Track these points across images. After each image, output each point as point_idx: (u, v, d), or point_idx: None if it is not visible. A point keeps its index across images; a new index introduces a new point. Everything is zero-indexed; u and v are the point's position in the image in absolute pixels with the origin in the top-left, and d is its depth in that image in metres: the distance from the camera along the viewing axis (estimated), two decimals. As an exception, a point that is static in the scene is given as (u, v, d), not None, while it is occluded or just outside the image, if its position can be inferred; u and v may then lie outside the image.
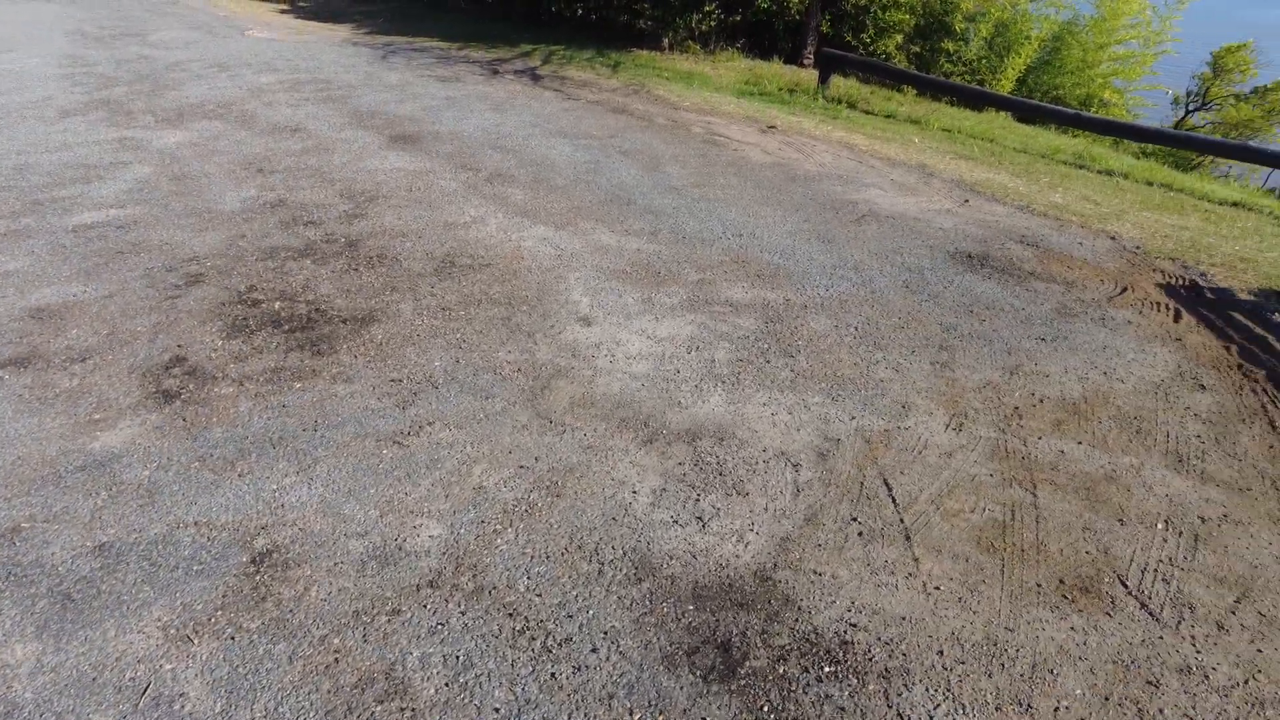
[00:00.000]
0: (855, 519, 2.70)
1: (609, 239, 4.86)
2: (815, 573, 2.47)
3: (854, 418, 3.24)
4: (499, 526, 2.59)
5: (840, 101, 9.20)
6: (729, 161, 6.56)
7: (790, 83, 9.82)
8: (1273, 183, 10.94)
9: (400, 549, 2.48)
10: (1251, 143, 11.01)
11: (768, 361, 3.62)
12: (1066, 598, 2.45)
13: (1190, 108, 13.19)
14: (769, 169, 6.43)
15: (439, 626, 2.22)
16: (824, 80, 9.58)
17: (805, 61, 11.35)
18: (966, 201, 5.94)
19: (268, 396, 3.16)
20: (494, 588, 2.36)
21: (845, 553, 2.56)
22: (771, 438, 3.09)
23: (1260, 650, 2.33)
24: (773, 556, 2.53)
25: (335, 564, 2.41)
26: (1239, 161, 10.01)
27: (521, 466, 2.86)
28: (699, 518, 2.67)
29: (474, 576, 2.39)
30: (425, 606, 2.29)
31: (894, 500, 2.79)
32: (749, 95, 9.27)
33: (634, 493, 2.77)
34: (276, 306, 3.84)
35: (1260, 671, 2.26)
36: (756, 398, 3.34)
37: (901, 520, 2.70)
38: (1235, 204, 6.50)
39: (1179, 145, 8.96)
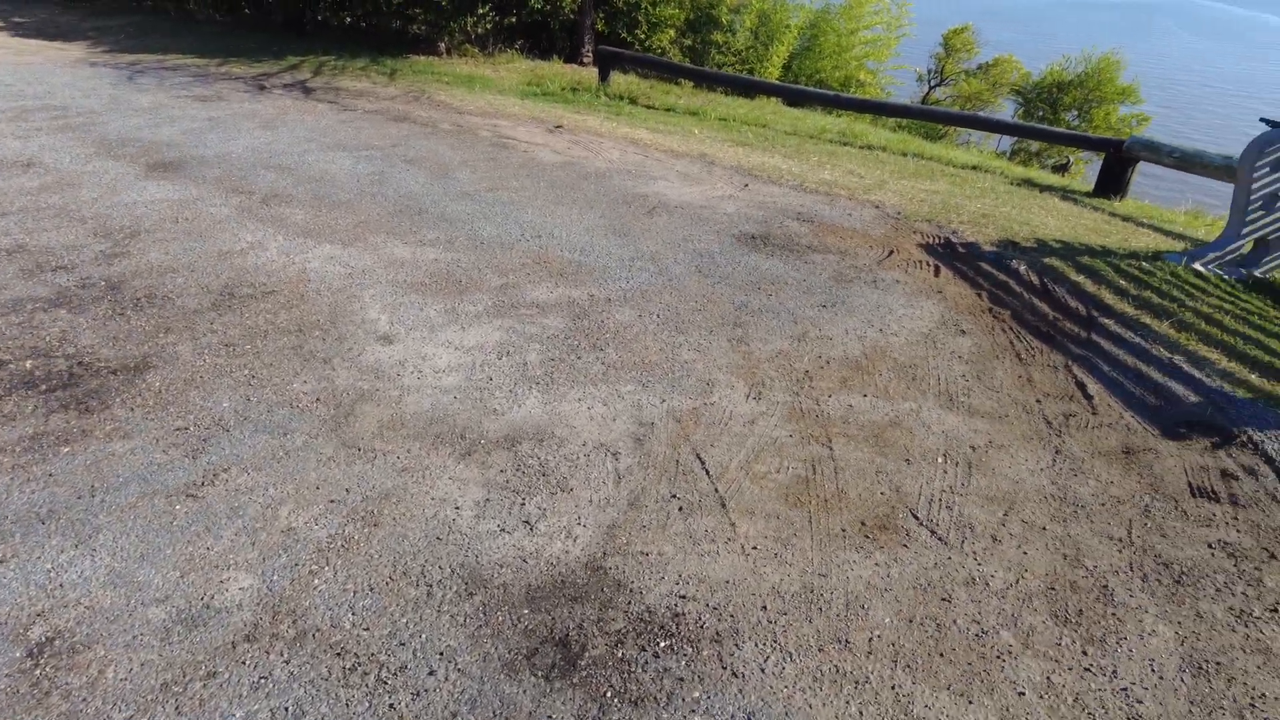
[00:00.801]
0: (674, 496, 2.81)
1: (403, 251, 4.72)
2: (642, 553, 2.56)
3: (664, 400, 3.37)
4: (315, 567, 2.46)
5: (622, 98, 9.45)
6: (520, 163, 6.57)
7: (572, 81, 9.96)
8: (1003, 146, 12.49)
9: (208, 607, 2.29)
10: (981, 113, 12.51)
11: (579, 358, 3.68)
12: (869, 537, 2.69)
13: (932, 84, 14.76)
14: (560, 168, 6.50)
15: (262, 680, 2.09)
16: (604, 78, 9.81)
17: (585, 60, 11.56)
18: (746, 186, 6.31)
19: (29, 468, 2.81)
20: (317, 630, 2.25)
21: (668, 529, 2.66)
22: (590, 431, 3.15)
23: (1025, 553, 2.67)
24: (602, 545, 2.58)
25: (134, 637, 2.19)
26: (974, 130, 11.33)
27: (332, 501, 2.73)
28: (526, 521, 2.68)
29: (294, 622, 2.26)
30: (244, 663, 2.14)
31: (708, 472, 2.93)
32: (533, 96, 9.30)
33: (457, 508, 2.72)
34: (28, 366, 3.41)
35: (1026, 570, 2.59)
36: (571, 394, 3.39)
37: (716, 490, 2.85)
38: (974, 167, 7.36)
39: (926, 119, 10.02)
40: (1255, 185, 4.83)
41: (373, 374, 3.47)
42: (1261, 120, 4.91)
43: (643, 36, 12.01)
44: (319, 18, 11.37)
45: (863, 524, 2.75)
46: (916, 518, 2.79)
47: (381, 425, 3.13)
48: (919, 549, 2.66)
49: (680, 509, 2.76)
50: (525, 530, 2.64)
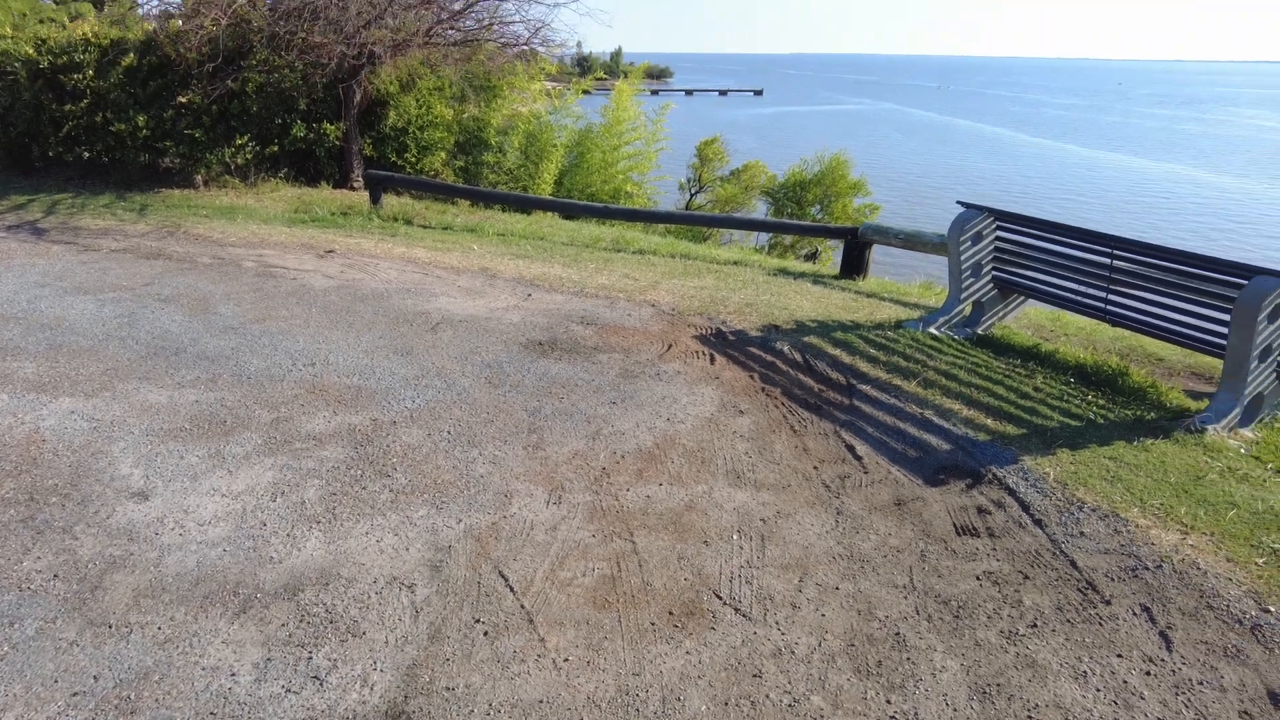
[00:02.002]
0: (479, 620, 2.68)
1: (159, 396, 4.30)
2: (448, 689, 2.39)
3: (461, 520, 3.25)
4: (50, 778, 2.07)
5: (397, 219, 9.41)
6: (290, 291, 6.28)
7: (343, 206, 9.80)
8: (760, 241, 13.73)
9: None
10: (737, 214, 13.75)
11: (364, 488, 3.48)
12: (678, 626, 2.70)
13: (692, 191, 16.04)
14: (334, 292, 6.29)
15: None
16: (376, 200, 9.74)
17: (355, 185, 11.44)
18: (529, 295, 6.43)
19: None
20: None
21: (475, 658, 2.52)
22: (381, 565, 2.95)
23: (824, 615, 2.80)
24: (403, 689, 2.39)
25: None
26: (733, 229, 12.36)
27: (76, 693, 2.34)
28: (315, 676, 2.43)
29: None
30: None
31: (512, 589, 2.84)
32: (301, 223, 9.02)
33: (233, 675, 2.43)
34: None
35: (827, 631, 2.71)
36: (358, 529, 3.18)
37: (522, 606, 2.75)
38: (736, 262, 8.00)
39: (690, 223, 10.83)
40: (963, 257, 5.63)
41: (125, 537, 3.07)
42: (959, 203, 5.78)
43: (413, 160, 12.11)
44: (49, 154, 10.43)
45: (670, 613, 2.76)
46: (720, 598, 2.85)
47: (137, 594, 2.76)
48: (726, 629, 2.70)
49: (485, 633, 2.63)
50: (315, 687, 2.39)
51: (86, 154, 10.61)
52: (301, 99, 11.22)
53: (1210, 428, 4.22)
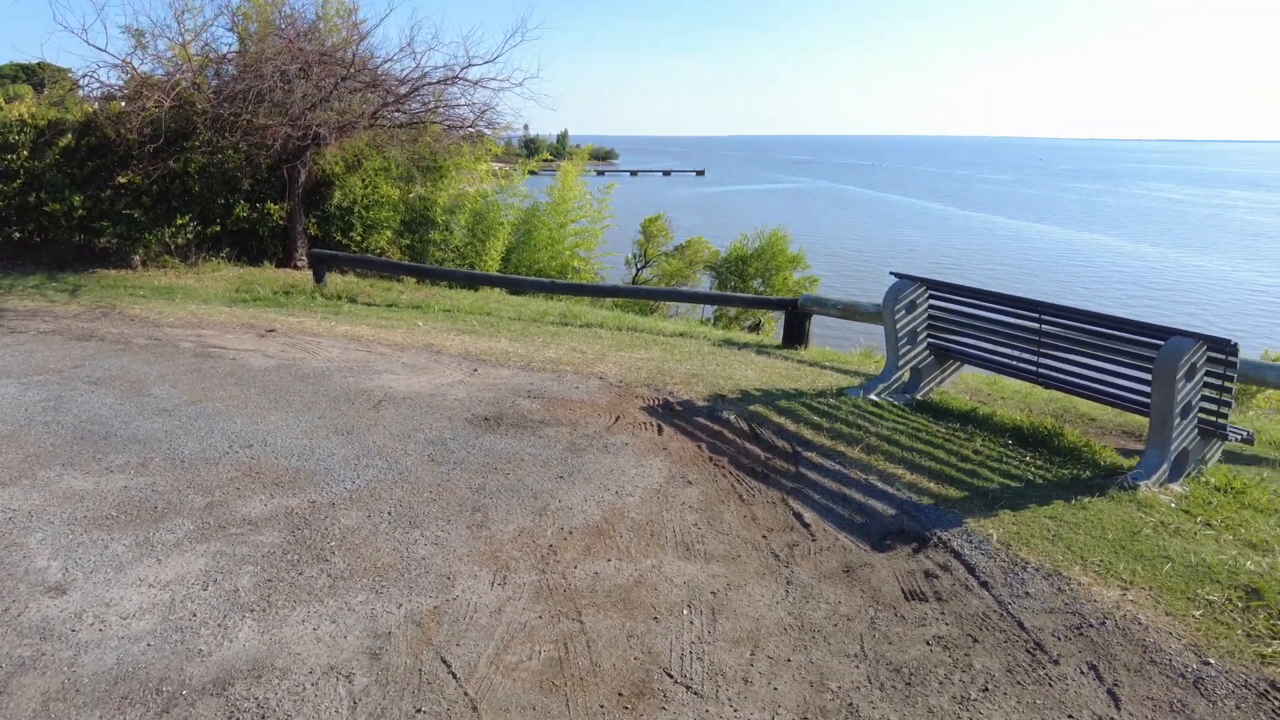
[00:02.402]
0: (420, 710, 2.56)
1: (83, 483, 4.12)
2: (386, 785, 2.27)
3: (401, 605, 3.14)
4: None
5: (340, 297, 9.34)
6: (228, 371, 6.14)
7: (286, 285, 9.70)
8: (706, 314, 13.95)
9: None
10: (682, 288, 13.99)
11: (300, 573, 3.34)
12: (627, 708, 2.62)
13: (638, 266, 16.32)
14: (274, 372, 6.16)
15: None
16: (320, 279, 9.67)
17: (299, 264, 11.36)
18: (475, 371, 6.39)
19: None
20: None
21: (415, 750, 2.40)
22: (317, 655, 2.82)
23: (776, 688, 2.75)
24: (337, 787, 2.26)
25: None
26: (679, 302, 12.54)
27: (-26, 810, 2.15)
28: (242, 778, 2.28)
29: None
30: None
31: (455, 676, 2.73)
32: (242, 302, 8.88)
33: (151, 781, 2.26)
34: None
35: (780, 705, 2.66)
36: (293, 617, 3.04)
37: (466, 694, 2.65)
38: (681, 334, 8.11)
39: (636, 296, 10.98)
40: (898, 325, 5.80)
41: (38, 635, 2.89)
42: (892, 273, 5.98)
43: (359, 238, 12.12)
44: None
45: (620, 695, 2.68)
46: (671, 676, 2.78)
47: (47, 698, 2.58)
48: (677, 708, 2.63)
49: (426, 721, 2.51)
50: (241, 790, 2.24)
51: (17, 234, 10.36)
52: (245, 179, 11.20)
53: (1142, 484, 4.35)
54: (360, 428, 5.05)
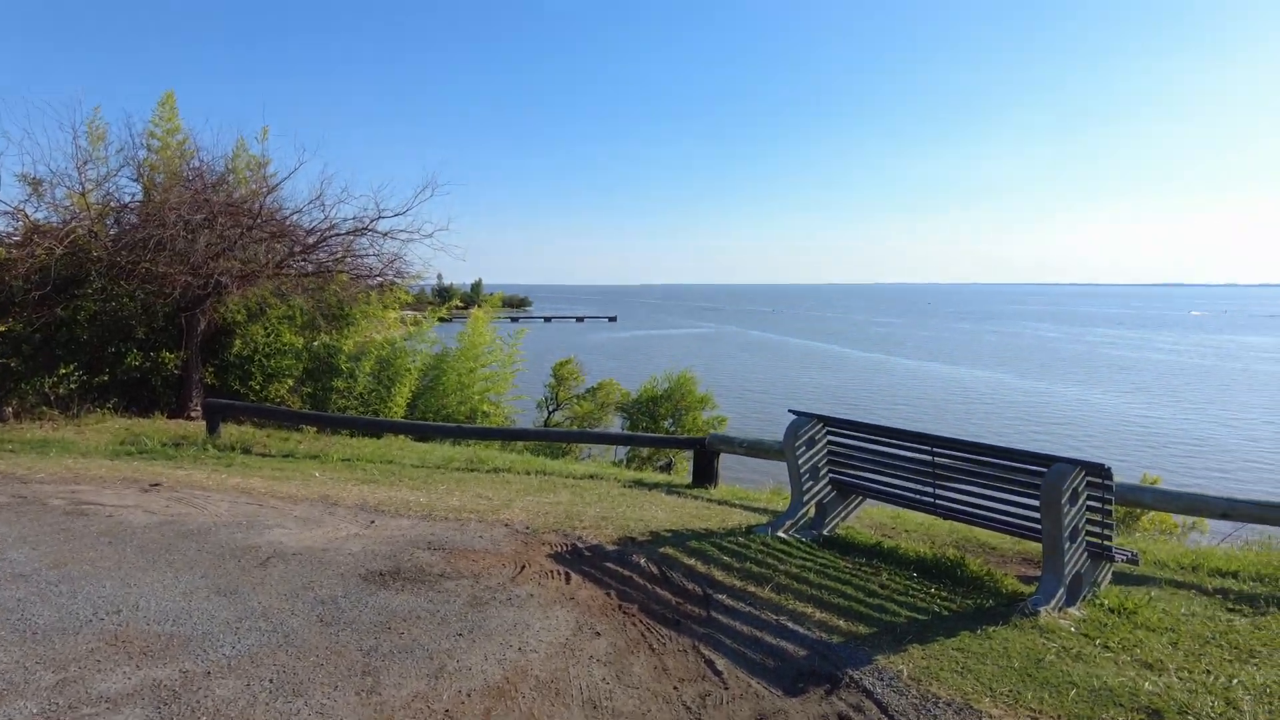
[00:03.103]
0: None
1: (-92, 670, 3.62)
2: None
3: (274, 788, 2.81)
4: None
5: (234, 448, 8.92)
6: (102, 530, 5.67)
7: (176, 436, 9.22)
8: (619, 455, 13.93)
9: None
10: (592, 429, 14.00)
11: (159, 759, 2.98)
12: None
13: (550, 409, 16.31)
14: (154, 529, 5.73)
15: None
16: (214, 429, 9.25)
17: (193, 414, 10.88)
18: (373, 523, 6.12)
19: None
20: None
21: None
22: None
23: None
24: None
25: None
26: (590, 444, 12.50)
27: None
28: None
29: None
30: None
31: None
32: (127, 455, 8.36)
33: None
34: None
35: None
36: (145, 811, 2.68)
37: None
38: (592, 476, 8.02)
39: (546, 439, 10.89)
40: (800, 461, 5.91)
41: None
42: (790, 411, 6.15)
43: (258, 387, 11.76)
44: None
45: None
46: None
47: None
48: None
49: None
50: None
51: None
52: (140, 327, 10.85)
53: (1042, 609, 4.42)
54: (245, 587, 4.69)
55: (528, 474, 8.07)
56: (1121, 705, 3.47)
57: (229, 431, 9.67)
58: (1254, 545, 7.31)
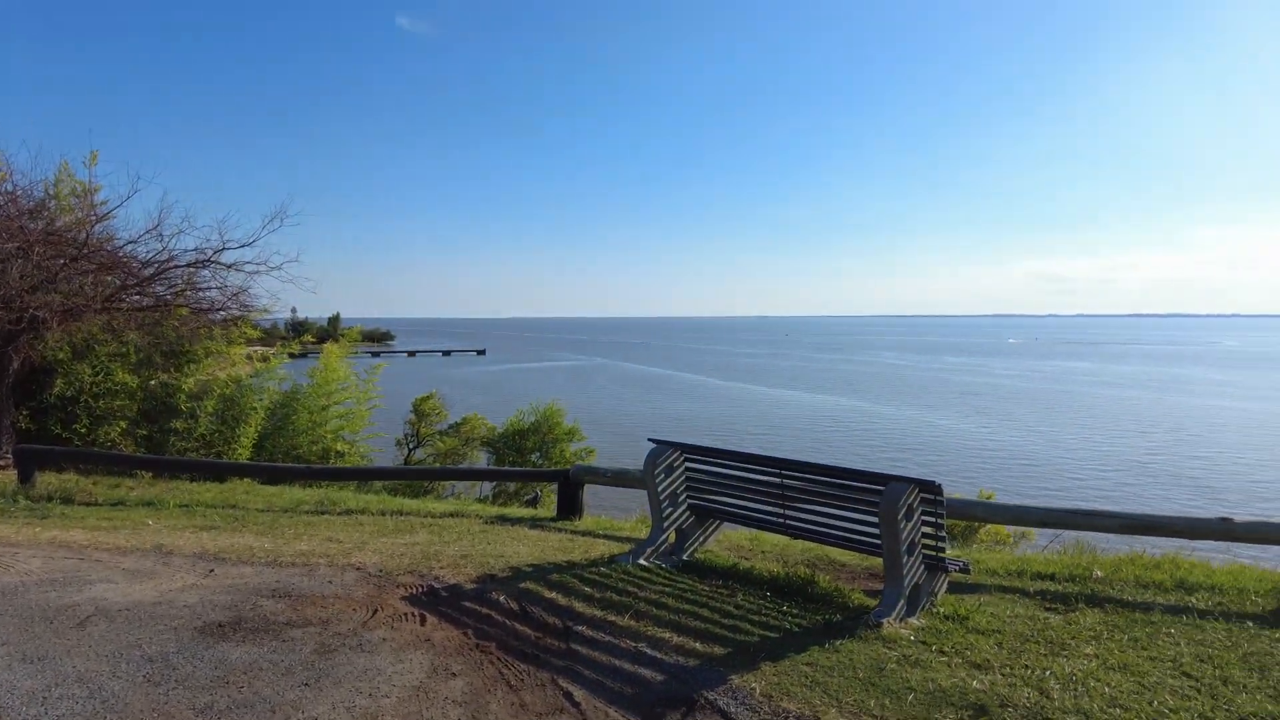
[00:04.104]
0: None
1: None
2: None
3: None
4: None
5: (52, 499, 8.11)
6: (-122, 602, 5.00)
7: (-20, 490, 8.28)
8: (485, 491, 13.67)
9: None
10: (454, 466, 13.69)
11: None
12: None
13: (411, 446, 15.80)
14: (-54, 596, 5.10)
15: None
16: (27, 479, 8.39)
17: (2, 463, 9.81)
18: (212, 572, 5.71)
19: None
20: None
21: None
22: None
23: None
24: None
25: None
26: (452, 480, 12.21)
27: None
28: None
29: None
30: None
31: None
32: (-85, 515, 7.42)
33: None
34: None
35: None
36: None
37: None
38: (452, 514, 7.83)
39: (403, 477, 10.54)
40: (659, 489, 6.02)
41: None
42: (649, 439, 6.26)
43: (84, 431, 10.77)
44: None
45: None
46: None
47: None
48: None
49: None
50: None
51: None
52: (-66, 370, 9.71)
53: (885, 621, 4.68)
54: (57, 652, 4.25)
55: (383, 514, 7.77)
56: (952, 704, 3.72)
57: (47, 480, 8.79)
58: (1070, 549, 8.04)
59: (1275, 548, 5.85)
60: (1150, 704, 3.74)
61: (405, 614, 4.93)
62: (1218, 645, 4.54)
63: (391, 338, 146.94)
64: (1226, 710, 3.71)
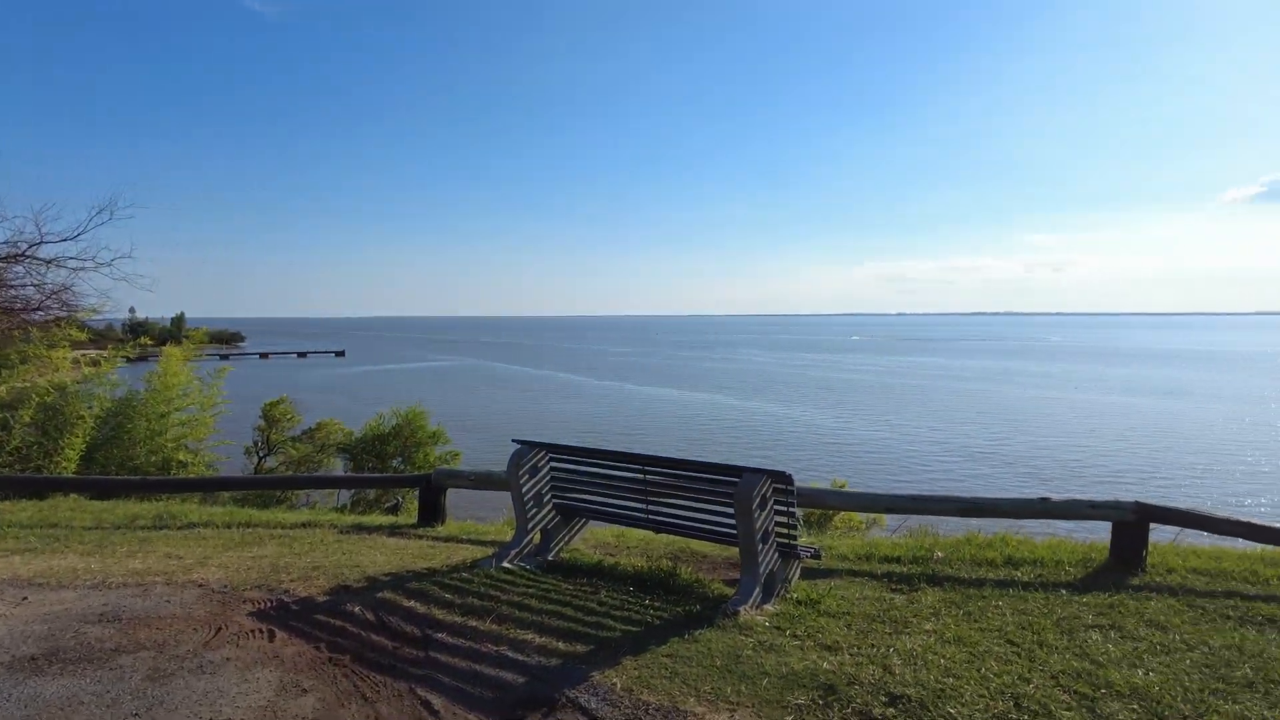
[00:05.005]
0: None
1: None
2: None
3: None
4: None
5: None
6: None
7: None
8: (344, 500, 13.09)
9: None
10: (306, 474, 13.07)
11: None
12: None
13: (261, 454, 14.91)
14: None
15: None
16: None
17: None
18: (25, 600, 5.18)
19: None
20: None
21: None
22: None
23: None
24: None
25: None
26: (306, 489, 11.64)
27: None
28: None
29: None
30: None
31: None
32: None
33: None
34: None
35: None
36: None
37: None
38: (305, 524, 7.46)
39: (253, 487, 9.94)
40: (523, 490, 5.97)
41: None
42: (514, 440, 6.20)
43: None
44: None
45: None
46: None
47: None
48: None
49: None
50: None
51: None
52: None
53: (741, 609, 4.84)
54: None
55: (229, 527, 7.30)
56: (804, 686, 3.89)
57: None
58: (916, 533, 8.60)
59: (1087, 522, 6.48)
60: (978, 671, 4.06)
61: (252, 630, 4.65)
62: (1036, 613, 4.98)
63: (242, 339, 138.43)
64: (1041, 671, 4.08)
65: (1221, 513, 6.21)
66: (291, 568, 5.83)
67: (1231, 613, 5.03)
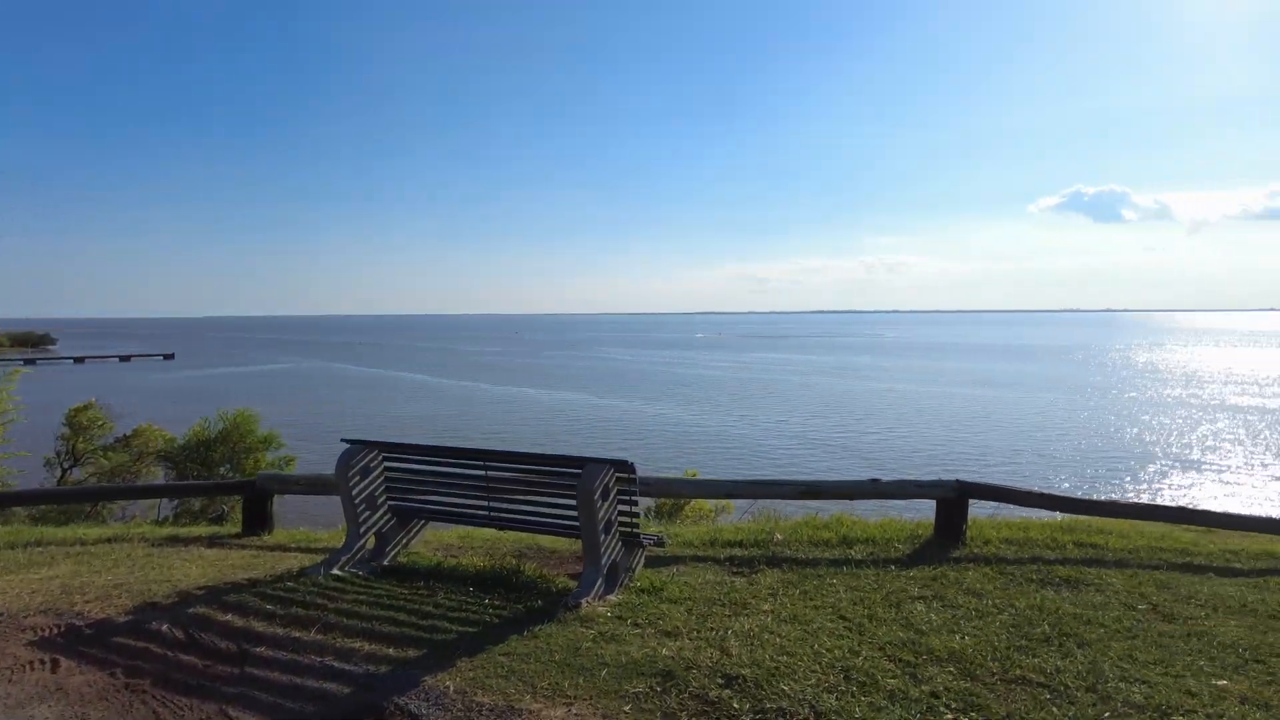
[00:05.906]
0: None
1: None
2: None
3: None
4: None
5: None
6: None
7: None
8: (165, 511, 12.03)
9: None
10: (112, 484, 11.89)
11: None
12: None
13: (66, 465, 13.45)
14: None
15: None
16: None
17: None
18: None
19: None
20: None
21: None
22: None
23: None
24: None
25: None
26: (117, 500, 10.58)
27: None
28: None
29: None
30: None
31: None
32: None
33: None
34: None
35: None
36: None
37: None
38: (110, 539, 6.75)
39: (51, 501, 8.91)
40: (354, 492, 5.64)
41: None
42: (343, 440, 5.85)
43: None
44: None
45: None
46: None
47: None
48: None
49: None
50: None
51: None
52: None
53: (584, 601, 4.78)
54: None
55: (13, 548, 6.47)
56: (643, 674, 3.87)
57: None
58: (759, 517, 8.87)
59: (916, 501, 6.90)
60: (812, 647, 4.19)
61: (30, 662, 4.12)
62: (867, 589, 5.22)
63: (51, 341, 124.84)
64: (870, 643, 4.27)
65: (1025, 486, 6.79)
66: (88, 587, 5.23)
67: (1035, 576, 5.49)
